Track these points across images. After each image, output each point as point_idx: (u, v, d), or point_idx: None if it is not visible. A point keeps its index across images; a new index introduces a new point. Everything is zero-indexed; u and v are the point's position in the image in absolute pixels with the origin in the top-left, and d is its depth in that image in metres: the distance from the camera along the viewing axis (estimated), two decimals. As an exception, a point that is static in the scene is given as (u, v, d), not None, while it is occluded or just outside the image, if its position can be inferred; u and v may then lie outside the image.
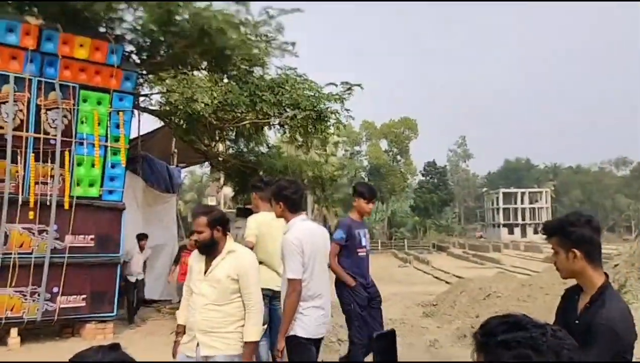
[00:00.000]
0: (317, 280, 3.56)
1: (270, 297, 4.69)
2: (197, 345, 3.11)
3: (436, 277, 21.82)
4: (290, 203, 3.61)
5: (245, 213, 5.72)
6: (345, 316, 4.90)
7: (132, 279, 8.91)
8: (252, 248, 4.60)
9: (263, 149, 11.55)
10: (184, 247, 8.44)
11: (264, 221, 4.80)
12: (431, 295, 12.13)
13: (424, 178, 66.77)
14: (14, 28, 6.83)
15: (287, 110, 8.99)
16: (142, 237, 9.06)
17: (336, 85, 9.26)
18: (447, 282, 18.10)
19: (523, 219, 77.66)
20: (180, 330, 3.34)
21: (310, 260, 3.51)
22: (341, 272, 4.81)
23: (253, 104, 8.56)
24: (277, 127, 10.21)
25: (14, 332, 6.93)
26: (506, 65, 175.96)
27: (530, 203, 79.04)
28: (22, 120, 7.14)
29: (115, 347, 1.57)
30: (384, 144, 62.75)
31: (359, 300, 4.79)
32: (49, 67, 7.19)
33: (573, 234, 2.09)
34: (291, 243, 3.46)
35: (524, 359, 1.09)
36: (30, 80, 7.06)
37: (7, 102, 6.96)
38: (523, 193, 79.09)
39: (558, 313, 2.27)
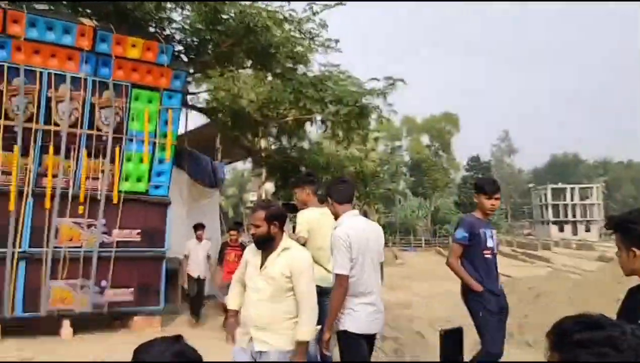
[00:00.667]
0: (367, 276, 3.62)
1: (318, 293, 4.81)
2: (251, 339, 3.21)
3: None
4: (340, 199, 3.73)
5: (288, 209, 5.83)
6: (475, 325, 4.42)
7: (194, 275, 8.74)
8: (304, 244, 4.68)
9: (305, 145, 11.74)
10: (227, 245, 8.56)
11: (313, 217, 4.84)
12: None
13: (468, 173, 65.75)
14: (69, 30, 7.17)
15: (330, 106, 9.12)
16: (198, 227, 8.92)
17: (378, 80, 9.34)
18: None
19: (574, 216, 75.43)
20: (232, 314, 3.47)
21: (360, 256, 3.57)
22: (465, 275, 4.36)
23: (296, 101, 8.73)
24: (320, 123, 10.36)
25: (66, 323, 7.26)
26: (550, 58, 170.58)
27: (581, 199, 76.65)
28: (77, 118, 7.50)
29: (179, 338, 1.65)
30: (425, 139, 62.12)
31: (490, 307, 4.30)
32: (103, 67, 7.50)
33: (633, 232, 2.08)
34: (339, 239, 3.56)
35: (603, 358, 1.09)
36: (85, 79, 7.39)
37: (63, 100, 7.33)
38: (573, 189, 76.78)
39: (620, 313, 2.24)
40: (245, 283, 3.41)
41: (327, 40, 9.05)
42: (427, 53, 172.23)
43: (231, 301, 3.51)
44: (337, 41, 9.10)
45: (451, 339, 3.85)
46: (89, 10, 7.90)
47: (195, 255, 8.78)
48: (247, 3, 7.94)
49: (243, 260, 3.48)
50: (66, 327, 7.25)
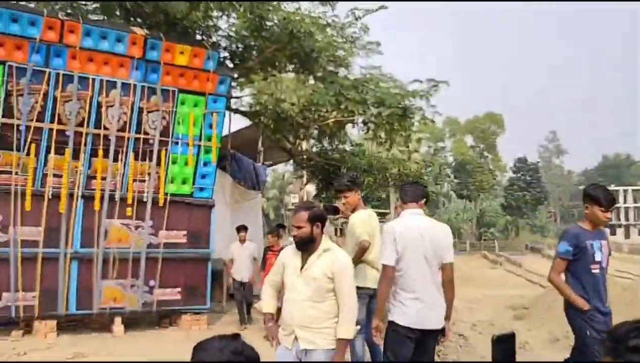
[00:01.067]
0: (414, 273, 3.72)
1: (370, 295, 4.84)
2: (295, 338, 3.31)
3: (529, 280, 21.13)
4: (405, 199, 4.00)
5: (330, 211, 5.91)
6: (578, 345, 4.17)
7: (237, 277, 8.69)
8: (367, 248, 4.87)
9: (346, 147, 11.84)
10: (268, 249, 8.64)
11: (367, 220, 5.01)
12: (522, 299, 11.88)
13: (514, 175, 64.22)
14: (122, 38, 7.53)
15: (372, 108, 9.20)
16: (241, 229, 8.92)
17: (421, 82, 9.37)
18: (540, 286, 17.54)
19: (627, 219, 72.57)
20: (269, 317, 3.56)
21: (406, 252, 3.70)
22: (568, 291, 4.10)
23: (338, 103, 8.85)
24: (361, 125, 10.45)
25: (118, 320, 7.62)
26: (599, 54, 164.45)
27: (635, 202, 73.66)
28: (125, 122, 7.85)
29: (236, 336, 1.72)
30: (469, 140, 61.12)
31: (596, 326, 3.97)
32: (152, 73, 7.84)
33: None
34: (386, 231, 3.80)
35: None
36: (134, 85, 7.75)
37: (113, 105, 7.69)
38: (625, 191, 73.85)
39: None
40: (278, 286, 3.53)
41: (368, 43, 9.15)
42: (469, 53, 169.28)
43: (266, 305, 3.60)
44: (378, 44, 9.19)
45: (503, 344, 3.87)
46: (140, 20, 8.25)
47: (238, 257, 8.78)
48: (291, 10, 8.14)
49: (278, 262, 3.56)
50: (117, 324, 7.59)
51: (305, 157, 12.26)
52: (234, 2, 7.63)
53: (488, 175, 57.13)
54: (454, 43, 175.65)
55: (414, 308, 3.69)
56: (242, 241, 8.88)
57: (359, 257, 4.90)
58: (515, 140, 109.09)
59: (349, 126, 10.96)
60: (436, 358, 6.80)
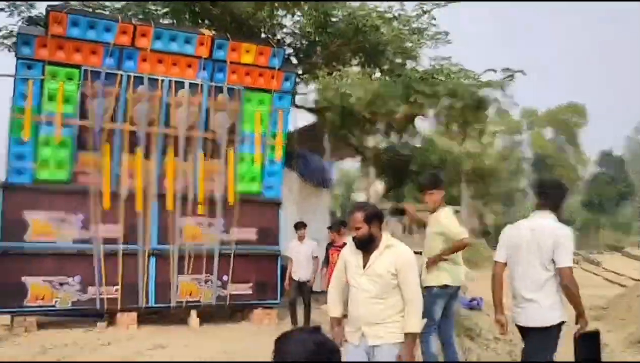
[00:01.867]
0: (517, 273, 4.02)
1: (450, 294, 5.04)
2: (362, 335, 3.39)
3: (607, 280, 20.16)
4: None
5: (397, 212, 5.86)
6: None
7: (295, 277, 8.22)
8: (466, 246, 5.10)
9: (416, 142, 11.73)
10: (330, 245, 8.15)
11: (455, 218, 5.16)
12: (601, 299, 11.36)
13: (599, 169, 60.82)
14: (190, 40, 7.86)
15: (443, 100, 9.06)
16: (299, 226, 8.32)
17: (495, 72, 9.12)
18: (620, 285, 16.77)
19: None
20: (336, 322, 3.62)
21: (512, 252, 4.02)
22: None
23: (406, 96, 8.78)
24: (432, 118, 10.31)
25: (193, 313, 7.99)
26: None
27: None
28: (193, 122, 8.16)
29: (317, 329, 1.79)
30: (548, 133, 58.50)
31: None
32: (218, 73, 8.13)
33: None
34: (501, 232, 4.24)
35: None
36: (202, 85, 8.06)
37: (182, 105, 8.02)
38: None
39: None
40: (343, 287, 3.60)
41: (436, 34, 9.03)
42: (548, 40, 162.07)
43: (332, 308, 3.66)
44: (447, 33, 9.04)
45: (587, 342, 3.87)
46: (208, 22, 8.59)
47: (297, 256, 8.24)
48: (356, 5, 8.20)
49: (340, 262, 3.64)
50: (193, 317, 7.96)
51: (372, 153, 12.26)
52: (300, 1, 7.77)
53: (570, 170, 54.45)
54: (533, 30, 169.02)
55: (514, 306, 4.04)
56: (301, 239, 8.34)
57: (454, 251, 5.08)
58: (600, 131, 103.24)
59: (418, 120, 10.85)
60: (507, 359, 6.73)
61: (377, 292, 3.35)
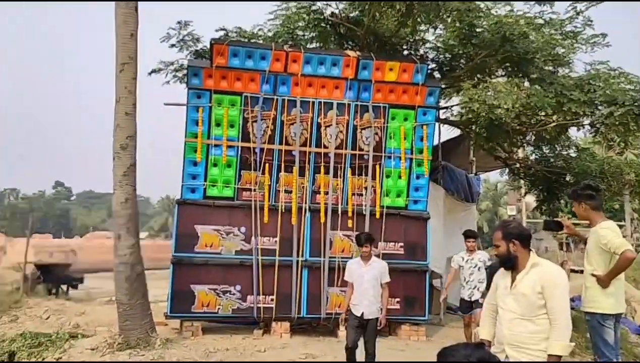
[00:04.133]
0: None
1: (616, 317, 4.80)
2: (506, 356, 3.41)
3: None
4: None
5: (552, 226, 5.61)
6: None
7: (465, 296, 7.55)
8: (632, 259, 4.71)
9: (571, 153, 11.23)
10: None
11: (617, 230, 4.86)
12: None
13: None
14: (337, 62, 8.50)
15: (601, 108, 8.68)
16: (469, 235, 7.64)
17: None
18: None
19: None
20: (486, 344, 3.64)
21: None
22: None
23: (559, 105, 8.53)
24: (587, 127, 9.86)
25: (342, 326, 8.24)
26: None
27: None
28: (342, 140, 8.78)
29: (481, 345, 1.88)
30: None
31: None
32: (364, 92, 8.67)
33: None
34: None
35: None
36: (349, 105, 8.65)
37: (331, 125, 8.69)
38: None
39: None
40: (494, 310, 3.66)
41: (592, 37, 8.66)
42: None
43: (483, 331, 3.77)
44: (604, 35, 8.63)
45: None
46: (352, 43, 9.19)
47: (467, 269, 7.53)
48: (503, 13, 8.19)
49: (493, 285, 3.73)
50: (342, 329, 8.32)
51: (522, 165, 11.95)
52: (442, 15, 7.98)
53: None
54: None
55: None
56: (472, 250, 7.55)
57: (621, 270, 4.71)
58: None
59: (572, 130, 10.42)
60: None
61: (521, 312, 3.38)
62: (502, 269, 3.64)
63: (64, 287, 15.61)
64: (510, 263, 3.48)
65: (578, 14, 8.46)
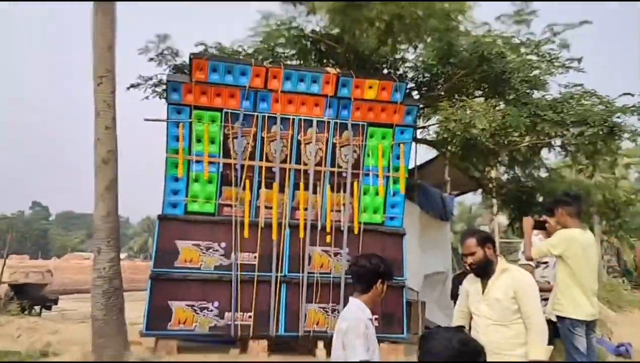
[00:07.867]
0: None
1: (587, 325, 4.85)
2: None
3: None
4: None
5: (540, 225, 5.78)
6: None
7: None
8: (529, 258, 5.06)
9: (542, 173, 11.50)
10: (458, 277, 8.22)
11: (577, 238, 4.90)
12: None
13: None
14: (317, 79, 8.56)
15: (572, 128, 8.92)
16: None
17: (632, 95, 8.82)
18: None
19: None
20: None
21: None
22: None
23: (533, 125, 8.72)
24: (558, 149, 10.13)
25: (320, 344, 8.29)
26: None
27: None
28: (321, 157, 8.80)
29: (461, 328, 1.94)
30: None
31: None
32: (343, 110, 8.73)
33: None
34: None
35: None
36: (328, 122, 8.70)
37: (310, 142, 8.71)
38: None
39: None
40: (467, 316, 3.70)
41: (567, 61, 8.93)
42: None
43: None
44: (579, 60, 8.90)
45: None
46: (332, 60, 9.29)
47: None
48: (481, 33, 8.40)
49: (462, 291, 3.76)
50: (320, 348, 8.29)
51: (495, 185, 12.17)
52: (422, 35, 8.14)
53: None
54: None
55: None
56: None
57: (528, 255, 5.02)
58: None
59: (544, 152, 10.69)
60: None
61: (496, 318, 3.42)
62: (470, 275, 3.66)
63: (37, 308, 15.10)
64: (487, 269, 3.50)
65: (555, 35, 8.72)
